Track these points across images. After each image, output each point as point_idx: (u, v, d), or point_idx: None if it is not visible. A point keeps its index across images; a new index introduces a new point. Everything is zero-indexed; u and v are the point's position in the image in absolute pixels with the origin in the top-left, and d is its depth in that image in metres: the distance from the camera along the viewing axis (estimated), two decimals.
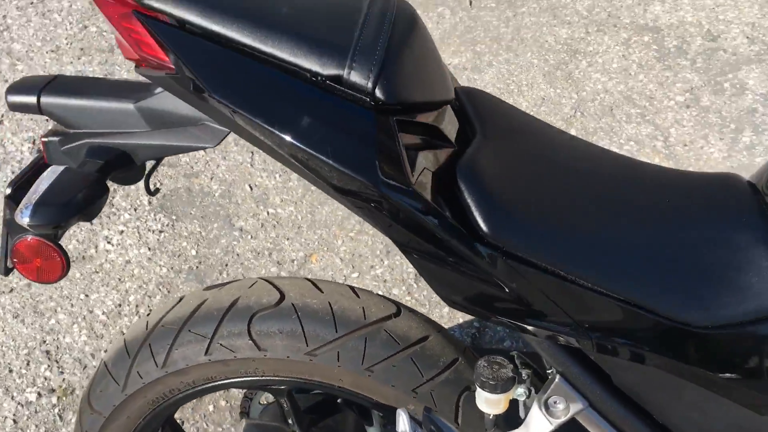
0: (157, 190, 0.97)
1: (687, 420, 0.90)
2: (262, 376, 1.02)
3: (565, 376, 0.87)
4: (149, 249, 1.94)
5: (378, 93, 0.71)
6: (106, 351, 1.67)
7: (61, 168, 0.82)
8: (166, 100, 0.85)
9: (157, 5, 0.74)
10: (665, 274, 0.81)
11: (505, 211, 0.77)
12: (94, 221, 1.98)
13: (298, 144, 0.70)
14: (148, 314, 1.09)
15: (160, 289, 1.85)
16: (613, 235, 0.81)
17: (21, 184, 0.87)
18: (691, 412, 0.89)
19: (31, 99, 0.87)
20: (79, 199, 0.80)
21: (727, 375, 0.83)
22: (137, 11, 0.76)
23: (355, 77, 0.71)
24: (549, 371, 0.90)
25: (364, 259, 1.89)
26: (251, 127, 0.73)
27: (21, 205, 0.79)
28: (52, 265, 0.88)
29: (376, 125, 0.71)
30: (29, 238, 0.86)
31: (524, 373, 0.91)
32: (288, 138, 0.71)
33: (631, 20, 2.58)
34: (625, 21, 2.58)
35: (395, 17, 0.77)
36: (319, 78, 0.72)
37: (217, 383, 1.05)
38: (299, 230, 1.98)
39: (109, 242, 1.95)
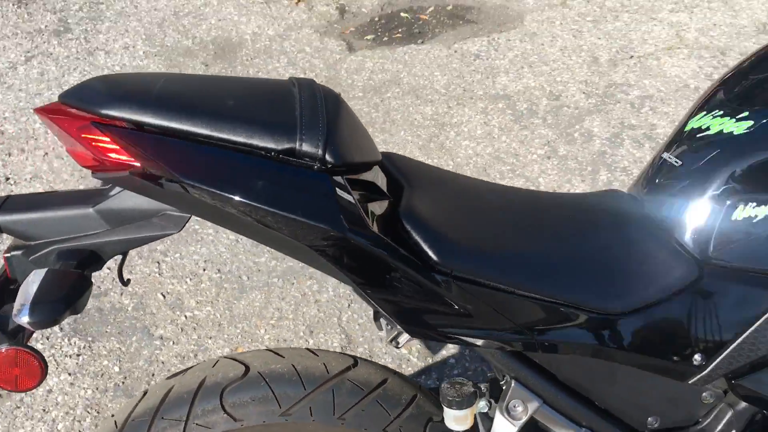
0: (129, 280, 1.03)
1: (623, 400, 1.04)
2: None
3: (519, 380, 0.99)
4: (69, 374, 1.91)
5: (328, 158, 0.83)
6: None
7: (44, 270, 0.87)
8: (124, 199, 0.92)
9: (116, 113, 0.83)
10: (582, 275, 0.97)
11: (448, 242, 0.90)
12: None
13: (271, 209, 0.81)
14: (112, 415, 1.12)
15: (88, 412, 1.82)
16: (535, 250, 0.96)
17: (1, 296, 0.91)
18: (625, 392, 1.03)
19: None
20: (69, 294, 0.85)
21: (647, 352, 0.99)
22: (95, 122, 0.84)
23: (307, 147, 0.83)
24: (503, 382, 1.03)
25: (290, 342, 1.96)
26: (220, 203, 0.83)
27: (15, 308, 0.84)
28: (31, 371, 0.91)
29: (332, 184, 0.83)
30: (3, 349, 0.90)
31: (483, 386, 1.03)
32: (261, 206, 0.81)
33: (484, 92, 2.87)
34: (479, 93, 2.87)
35: (324, 98, 0.90)
36: (273, 153, 0.84)
37: None
38: (220, 327, 2.02)
39: None
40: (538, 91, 2.86)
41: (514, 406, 1.00)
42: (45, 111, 0.89)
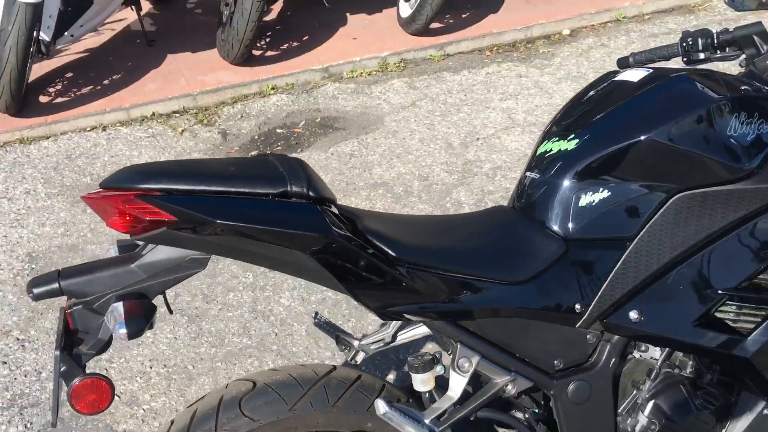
0: (172, 311, 1.31)
1: (535, 349, 1.42)
2: None
3: (462, 343, 1.36)
4: None
5: (312, 194, 1.20)
6: None
7: (120, 302, 1.16)
8: (156, 254, 1.24)
9: (151, 186, 1.17)
10: (491, 258, 1.37)
11: (401, 244, 1.28)
12: None
13: (282, 230, 1.16)
14: None
15: None
16: (458, 245, 1.37)
17: (64, 345, 1.18)
18: (535, 342, 1.42)
19: (54, 286, 1.20)
20: (148, 311, 1.15)
21: (543, 307, 1.39)
22: (137, 195, 1.17)
23: (296, 189, 1.20)
24: (449, 350, 1.39)
25: None
26: (240, 236, 1.17)
27: (112, 327, 1.12)
28: (104, 393, 1.18)
29: (319, 209, 1.20)
30: (81, 379, 1.16)
31: (437, 355, 1.39)
32: (273, 228, 1.16)
33: (364, 182, 3.33)
34: (360, 184, 3.32)
35: (295, 160, 1.27)
36: (271, 196, 1.20)
37: None
38: (178, 411, 2.24)
39: None
40: (409, 176, 3.35)
41: (462, 364, 1.36)
42: (91, 196, 1.20)
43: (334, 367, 1.46)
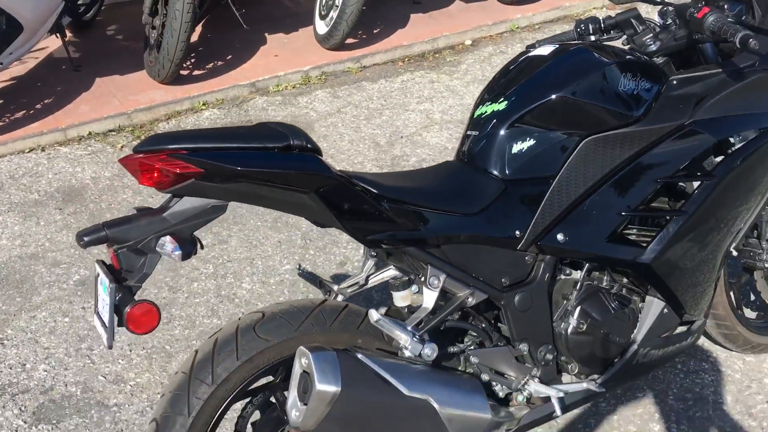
0: (203, 246, 1.58)
1: (487, 268, 1.77)
2: (275, 360, 1.63)
3: (431, 265, 1.69)
4: None
5: (310, 146, 1.52)
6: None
7: (167, 236, 1.43)
8: (183, 204, 1.51)
9: (181, 146, 1.45)
10: (448, 195, 1.71)
11: (381, 185, 1.61)
12: None
13: (293, 171, 1.46)
14: (175, 372, 1.63)
15: None
16: (425, 187, 1.71)
17: (119, 279, 1.44)
18: (488, 263, 1.77)
19: (102, 234, 1.46)
20: (193, 240, 1.43)
21: (489, 234, 1.74)
22: (168, 153, 1.45)
23: (297, 142, 1.51)
24: (421, 272, 1.72)
25: None
26: (257, 182, 1.46)
27: (169, 252, 1.39)
28: (153, 315, 1.44)
29: (315, 156, 1.51)
30: (134, 305, 1.43)
31: (412, 277, 1.72)
32: (285, 171, 1.46)
33: None
34: None
35: (290, 124, 1.58)
36: (277, 149, 1.50)
37: (249, 379, 1.62)
38: (163, 384, 2.46)
39: None
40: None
41: (432, 281, 1.69)
42: (126, 159, 1.48)
43: (325, 300, 1.76)
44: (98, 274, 1.51)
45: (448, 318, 1.74)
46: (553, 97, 1.79)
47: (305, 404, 1.48)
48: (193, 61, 4.91)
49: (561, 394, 1.85)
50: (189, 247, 1.45)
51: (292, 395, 1.52)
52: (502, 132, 1.81)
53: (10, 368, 2.56)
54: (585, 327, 1.88)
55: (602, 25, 2.13)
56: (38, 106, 4.39)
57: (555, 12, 5.56)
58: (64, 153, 4.01)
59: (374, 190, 1.60)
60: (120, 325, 1.46)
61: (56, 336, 2.71)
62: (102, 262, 1.50)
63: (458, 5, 5.74)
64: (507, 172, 1.79)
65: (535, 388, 1.82)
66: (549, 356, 1.86)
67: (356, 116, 4.25)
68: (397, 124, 4.12)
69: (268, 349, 1.63)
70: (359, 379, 1.51)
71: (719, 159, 1.91)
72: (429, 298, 1.71)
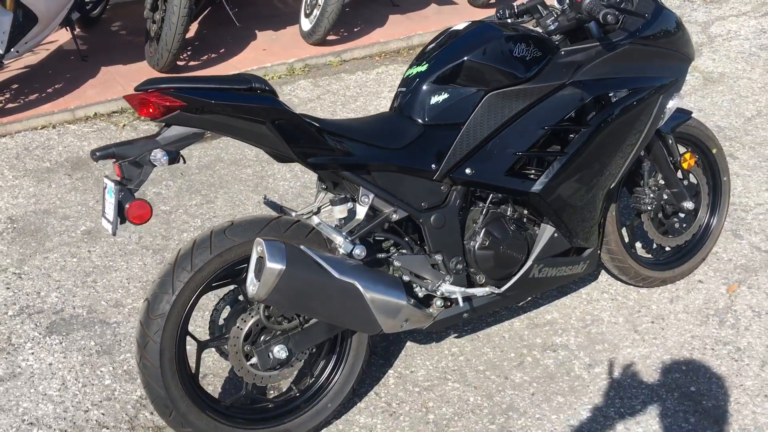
0: (185, 161, 2.08)
1: (409, 193, 2.25)
2: (240, 256, 2.12)
3: (363, 186, 2.18)
4: (60, 353, 2.72)
5: (268, 89, 2.02)
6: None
7: (158, 148, 1.93)
8: (171, 131, 2.01)
9: (170, 85, 1.95)
10: (378, 133, 2.20)
11: (325, 121, 2.11)
12: (9, 351, 2.70)
13: (255, 105, 1.96)
14: (164, 264, 2.12)
15: (83, 366, 2.65)
16: (359, 126, 2.20)
17: (123, 182, 1.94)
18: (409, 188, 2.25)
19: (110, 150, 1.95)
20: (178, 154, 1.92)
21: (410, 165, 2.23)
22: (161, 90, 1.95)
23: (258, 86, 2.01)
24: (355, 191, 2.21)
25: None
26: (226, 113, 1.96)
27: (159, 158, 1.88)
28: (147, 210, 1.93)
29: (271, 95, 2.00)
30: (133, 201, 1.92)
31: (349, 196, 2.22)
32: (249, 104, 1.95)
33: None
34: None
35: (260, 77, 2.08)
36: (243, 90, 2.00)
37: (218, 272, 2.10)
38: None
39: (25, 361, 2.69)
40: None
41: (363, 199, 2.19)
42: (129, 96, 1.98)
43: (279, 216, 2.26)
44: (105, 186, 2.00)
45: (376, 228, 2.24)
46: (462, 60, 2.29)
47: (259, 280, 1.98)
48: (189, 53, 5.42)
49: (467, 295, 2.35)
50: (174, 155, 1.95)
51: (250, 275, 2.01)
52: (423, 87, 2.31)
53: (27, 295, 3.05)
54: (487, 244, 2.37)
55: (515, 11, 2.63)
56: (49, 90, 4.90)
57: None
58: (73, 130, 4.52)
59: (318, 125, 2.10)
60: (122, 219, 1.95)
61: (66, 272, 3.20)
62: (108, 177, 2.00)
63: (433, 8, 6.27)
64: (426, 118, 2.29)
65: (447, 288, 2.31)
66: (459, 266, 2.36)
67: (333, 102, 4.76)
68: (368, 109, 4.62)
69: (234, 247, 2.12)
70: (301, 262, 2.01)
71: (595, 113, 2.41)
72: (360, 212, 2.21)
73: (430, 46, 2.42)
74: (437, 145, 2.29)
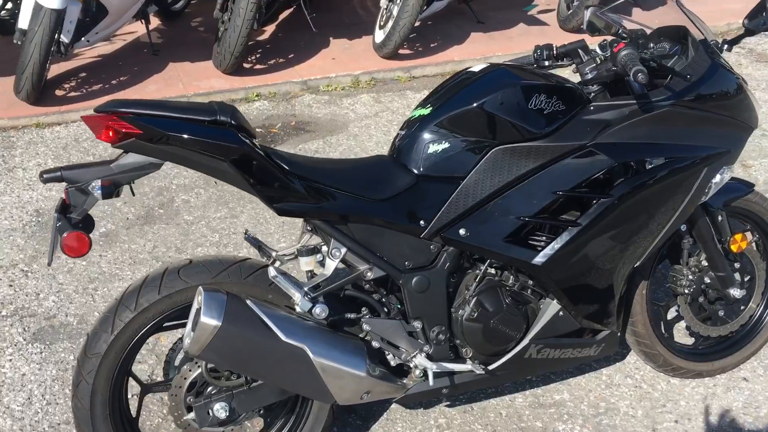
0: (134, 193, 1.93)
1: (392, 251, 2.01)
2: (190, 300, 1.94)
3: (334, 238, 1.96)
4: (36, 364, 2.64)
5: (233, 122, 1.82)
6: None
7: (99, 180, 1.77)
8: (127, 158, 1.85)
9: (129, 110, 1.78)
10: (359, 182, 1.97)
11: (295, 163, 1.89)
12: None
13: (213, 142, 1.76)
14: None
15: (55, 382, 2.55)
16: (337, 171, 1.97)
17: (63, 209, 1.79)
18: (391, 246, 2.01)
19: (57, 174, 1.81)
20: (113, 190, 1.76)
21: (394, 220, 1.98)
22: (118, 115, 1.79)
23: (222, 118, 1.81)
24: (328, 242, 1.99)
25: None
26: (184, 146, 1.78)
27: (93, 190, 1.73)
28: (84, 243, 1.77)
29: (233, 131, 1.81)
30: (69, 232, 1.77)
31: (315, 245, 1.99)
32: (207, 140, 1.76)
33: None
34: None
35: (228, 105, 1.89)
36: (207, 122, 1.81)
37: (166, 314, 1.93)
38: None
39: (1, 368, 2.61)
40: None
41: (334, 252, 1.96)
42: (87, 116, 1.83)
43: (248, 258, 2.06)
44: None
45: (345, 286, 2.01)
46: (468, 107, 2.02)
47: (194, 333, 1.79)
48: (258, 56, 5.34)
49: (446, 371, 2.07)
50: (110, 189, 1.78)
51: (188, 325, 1.83)
52: (422, 133, 2.05)
53: (26, 295, 3.00)
54: (477, 315, 2.09)
55: (554, 52, 2.33)
56: (114, 81, 4.92)
57: None
58: None
59: (287, 167, 1.88)
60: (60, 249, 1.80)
61: (71, 275, 3.13)
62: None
63: (520, 28, 5.93)
64: (421, 168, 2.03)
65: (420, 361, 2.04)
66: (441, 336, 2.09)
67: (390, 121, 4.54)
68: None
69: (185, 290, 1.94)
70: (241, 320, 1.80)
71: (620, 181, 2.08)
72: (329, 266, 1.97)
73: (440, 88, 2.15)
74: (430, 200, 2.02)
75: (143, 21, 5.26)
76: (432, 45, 5.58)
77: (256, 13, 4.68)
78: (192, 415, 1.96)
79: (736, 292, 2.41)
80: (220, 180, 1.90)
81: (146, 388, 2.07)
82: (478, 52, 5.45)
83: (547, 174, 2.04)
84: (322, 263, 2.01)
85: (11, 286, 3.06)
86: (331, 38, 5.68)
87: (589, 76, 2.17)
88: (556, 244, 2.05)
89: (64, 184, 1.84)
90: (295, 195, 1.89)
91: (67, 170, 1.82)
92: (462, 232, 2.03)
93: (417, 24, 5.82)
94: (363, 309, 2.06)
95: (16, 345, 2.73)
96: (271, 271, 1.93)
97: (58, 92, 4.76)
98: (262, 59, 5.30)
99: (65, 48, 4.53)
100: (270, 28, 5.84)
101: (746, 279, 2.50)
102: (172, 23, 5.98)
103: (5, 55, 4.99)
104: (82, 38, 4.75)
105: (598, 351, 2.29)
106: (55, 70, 4.98)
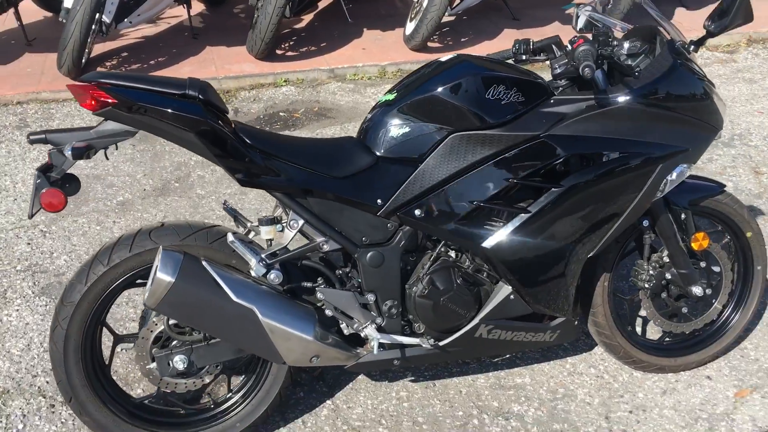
0: (107, 158, 2.10)
1: (349, 226, 2.14)
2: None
3: (293, 210, 2.09)
4: (40, 315, 2.86)
5: (201, 96, 1.97)
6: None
7: (72, 143, 1.95)
8: (105, 125, 2.02)
9: (108, 81, 1.95)
10: (320, 159, 2.10)
11: (259, 138, 2.03)
12: (0, 305, 2.88)
13: (181, 114, 1.92)
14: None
15: None
16: (300, 148, 2.11)
17: (45, 169, 1.97)
18: (347, 220, 2.13)
19: (42, 136, 2.00)
20: (88, 150, 1.94)
21: (353, 197, 2.10)
22: (98, 84, 1.96)
23: (191, 93, 1.97)
24: (288, 217, 2.13)
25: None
26: (154, 116, 1.94)
27: (66, 149, 1.91)
28: (60, 199, 1.96)
29: (200, 105, 1.96)
30: (47, 189, 1.95)
31: (276, 216, 2.13)
32: (176, 112, 1.92)
33: None
34: None
35: (202, 81, 2.04)
36: (177, 96, 1.97)
37: (136, 270, 2.10)
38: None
39: (8, 316, 2.85)
40: None
41: (292, 224, 2.10)
42: (73, 85, 2.00)
43: (217, 225, 2.21)
44: None
45: (304, 257, 2.14)
46: (428, 93, 2.12)
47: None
48: (291, 43, 5.52)
49: (396, 343, 2.20)
50: (81, 151, 1.95)
51: (149, 281, 1.99)
52: (385, 117, 2.17)
53: (41, 253, 3.24)
54: (428, 293, 2.19)
55: (531, 47, 2.41)
56: (152, 62, 5.17)
57: None
58: None
59: (249, 141, 2.03)
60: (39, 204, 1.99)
61: (85, 238, 3.36)
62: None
63: (555, 26, 5.95)
64: (382, 150, 2.15)
65: (370, 332, 2.17)
66: (394, 310, 2.21)
67: None
68: None
69: (154, 249, 2.11)
70: (194, 278, 1.96)
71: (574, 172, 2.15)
72: (287, 237, 2.12)
73: (409, 76, 2.26)
74: (388, 180, 2.14)
75: (185, 6, 5.49)
76: (462, 40, 5.66)
77: (288, 1, 4.85)
78: (155, 364, 2.13)
79: (698, 290, 2.44)
80: (188, 150, 2.06)
81: (118, 339, 2.25)
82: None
83: (500, 162, 2.13)
84: (283, 233, 2.15)
85: (29, 244, 3.30)
86: (364, 29, 5.82)
87: (558, 71, 2.24)
88: (505, 230, 2.14)
89: (49, 146, 2.03)
90: (257, 168, 2.04)
91: (51, 133, 2.01)
92: (417, 212, 2.14)
93: (451, 18, 5.92)
94: (319, 279, 2.19)
95: (24, 297, 2.97)
96: (230, 237, 2.08)
97: (99, 69, 5.03)
98: (295, 46, 5.48)
99: (107, 28, 4.80)
100: (308, 17, 6.02)
101: (712, 278, 2.53)
102: (216, 9, 6.22)
103: (53, 32, 5.30)
104: (125, 20, 5.01)
105: (554, 337, 2.37)
106: (101, 48, 5.27)
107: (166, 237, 2.13)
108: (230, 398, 2.31)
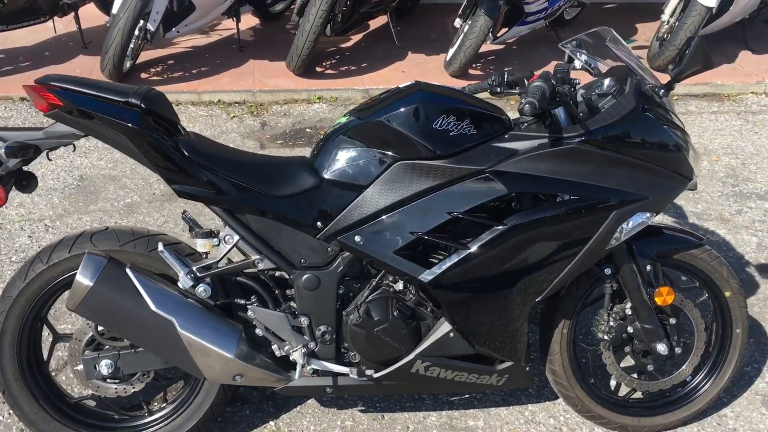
0: (50, 159, 2.16)
1: (286, 246, 2.11)
2: None
3: (228, 225, 2.08)
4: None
5: (144, 105, 1.99)
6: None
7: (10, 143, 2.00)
8: (55, 127, 2.06)
9: (59, 84, 1.99)
10: (261, 177, 2.07)
11: (198, 151, 2.03)
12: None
13: (117, 121, 1.94)
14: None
15: None
16: (241, 164, 2.09)
17: None
18: (285, 242, 2.10)
19: None
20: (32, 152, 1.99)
21: (291, 217, 2.07)
22: (48, 87, 2.01)
23: (134, 101, 1.99)
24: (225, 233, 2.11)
25: None
26: (97, 122, 1.97)
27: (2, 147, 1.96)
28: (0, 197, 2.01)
29: (138, 113, 1.97)
30: None
31: (212, 230, 2.12)
32: (112, 119, 1.95)
33: None
34: None
35: (152, 90, 2.07)
36: (120, 103, 1.99)
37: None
38: None
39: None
40: None
41: (227, 239, 2.09)
42: (28, 86, 2.06)
43: (162, 234, 2.22)
44: None
45: (238, 273, 2.13)
46: (375, 119, 2.08)
47: None
48: (333, 61, 5.56)
49: (327, 371, 2.15)
50: (14, 150, 1.99)
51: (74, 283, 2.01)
52: (334, 140, 2.13)
53: (40, 247, 3.34)
54: (362, 322, 2.13)
55: (506, 80, 2.33)
56: (194, 71, 5.31)
57: (702, 87, 5.40)
58: (191, 110, 4.85)
59: (187, 153, 2.03)
60: None
61: None
62: None
63: (606, 61, 5.76)
64: (328, 173, 2.11)
65: (297, 356, 2.12)
66: (327, 336, 2.15)
67: None
68: None
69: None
70: (114, 284, 1.97)
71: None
72: (220, 251, 2.10)
73: (368, 101, 2.22)
74: (330, 203, 2.10)
75: (234, 19, 5.62)
76: (506, 69, 5.54)
77: (326, 20, 4.89)
78: (81, 366, 2.15)
79: (662, 348, 2.28)
80: (128, 156, 2.08)
81: (58, 337, 2.29)
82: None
83: (443, 194, 2.06)
84: (218, 248, 2.14)
85: (30, 237, 3.42)
86: (409, 52, 5.81)
87: (526, 107, 2.16)
88: (444, 264, 2.06)
89: None
90: (194, 180, 2.03)
91: (3, 130, 2.07)
92: (357, 238, 2.08)
93: (500, 47, 5.85)
94: (253, 297, 2.16)
95: None
96: (160, 246, 2.09)
97: (143, 75, 5.21)
98: (336, 65, 5.51)
99: (151, 35, 4.95)
100: (357, 37, 6.06)
101: (684, 337, 2.36)
102: (268, 24, 6.34)
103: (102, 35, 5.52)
104: (173, 29, 5.17)
105: (501, 381, 2.26)
106: (150, 54, 5.44)
107: (106, 241, 2.15)
108: (164, 408, 2.31)
